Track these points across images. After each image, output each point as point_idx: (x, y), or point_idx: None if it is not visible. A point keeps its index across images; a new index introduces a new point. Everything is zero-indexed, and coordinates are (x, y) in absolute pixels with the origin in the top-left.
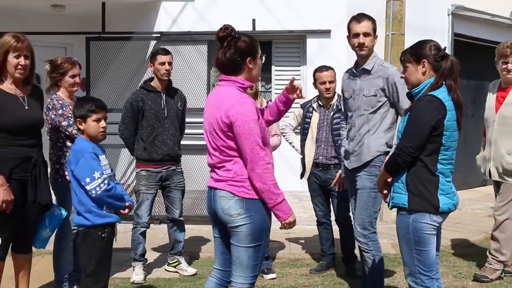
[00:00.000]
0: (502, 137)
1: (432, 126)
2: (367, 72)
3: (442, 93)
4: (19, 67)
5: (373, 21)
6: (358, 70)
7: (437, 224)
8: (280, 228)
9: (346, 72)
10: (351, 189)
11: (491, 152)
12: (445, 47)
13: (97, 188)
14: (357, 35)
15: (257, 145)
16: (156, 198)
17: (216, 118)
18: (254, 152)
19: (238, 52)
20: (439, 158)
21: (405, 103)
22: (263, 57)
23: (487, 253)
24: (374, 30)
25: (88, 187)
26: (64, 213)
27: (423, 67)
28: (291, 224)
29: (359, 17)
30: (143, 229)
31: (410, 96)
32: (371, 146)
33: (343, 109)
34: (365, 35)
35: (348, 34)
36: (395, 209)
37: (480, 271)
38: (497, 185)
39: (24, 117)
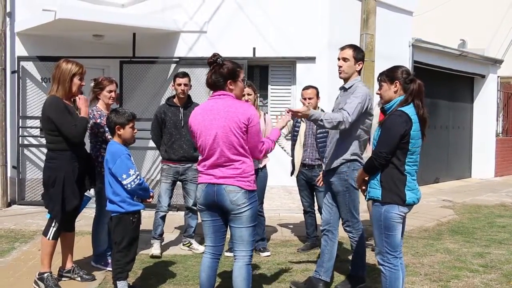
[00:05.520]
0: None
1: (401, 135)
2: (345, 90)
3: (409, 109)
4: (81, 87)
5: (354, 49)
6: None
7: (403, 214)
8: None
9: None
10: (326, 188)
11: None
12: (414, 73)
13: (132, 183)
14: (338, 59)
15: (261, 138)
16: (175, 191)
17: (234, 121)
18: (260, 142)
19: (220, 76)
20: (406, 161)
21: (347, 107)
22: (245, 81)
23: None
24: (355, 57)
25: (124, 182)
26: (86, 199)
27: (395, 87)
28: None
29: (343, 46)
30: (163, 213)
31: (383, 110)
32: (338, 154)
33: None
34: (344, 60)
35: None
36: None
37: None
38: None
39: None
